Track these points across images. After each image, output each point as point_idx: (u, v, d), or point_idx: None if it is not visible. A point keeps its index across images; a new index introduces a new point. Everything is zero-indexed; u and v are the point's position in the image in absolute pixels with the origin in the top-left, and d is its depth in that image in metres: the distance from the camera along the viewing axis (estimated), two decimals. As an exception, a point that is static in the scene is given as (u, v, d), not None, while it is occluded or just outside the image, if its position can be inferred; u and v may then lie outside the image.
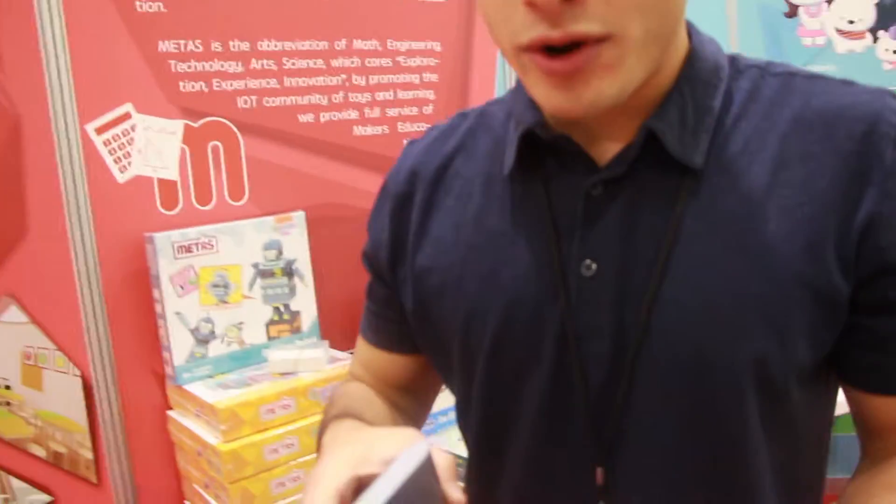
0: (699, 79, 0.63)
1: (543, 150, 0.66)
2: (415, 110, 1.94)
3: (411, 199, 0.76)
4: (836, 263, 0.59)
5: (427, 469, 0.55)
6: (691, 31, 0.66)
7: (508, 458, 0.72)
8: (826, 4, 2.71)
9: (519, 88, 0.70)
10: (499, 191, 0.70)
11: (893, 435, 0.66)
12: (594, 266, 0.63)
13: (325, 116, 1.77)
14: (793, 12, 2.72)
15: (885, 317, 0.61)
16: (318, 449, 0.73)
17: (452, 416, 1.57)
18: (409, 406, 0.85)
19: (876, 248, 0.59)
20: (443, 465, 0.55)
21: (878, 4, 2.68)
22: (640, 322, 0.61)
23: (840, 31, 2.73)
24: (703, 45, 0.65)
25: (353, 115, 1.82)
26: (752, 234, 0.60)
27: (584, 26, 0.52)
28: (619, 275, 0.62)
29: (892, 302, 0.60)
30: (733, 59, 0.67)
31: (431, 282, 0.73)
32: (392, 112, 1.89)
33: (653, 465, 0.64)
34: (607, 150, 0.64)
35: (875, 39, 2.71)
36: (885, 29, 2.70)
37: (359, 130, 1.84)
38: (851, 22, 2.72)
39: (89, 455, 1.56)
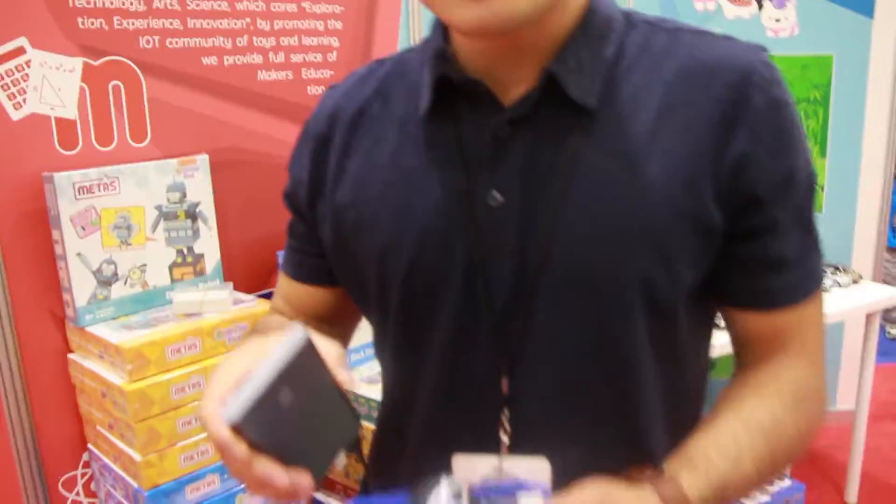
0: (594, 29, 0.69)
1: (455, 93, 0.70)
2: (319, 57, 1.94)
3: (331, 140, 0.79)
4: (711, 197, 0.66)
5: (309, 353, 0.59)
6: None
7: (422, 378, 0.76)
8: (716, -28, 2.84)
9: (433, 37, 0.74)
10: (414, 131, 0.73)
11: (760, 345, 0.74)
12: (500, 197, 0.68)
13: (228, 60, 1.76)
14: None
15: (752, 242, 0.68)
16: None
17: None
18: (328, 336, 0.89)
19: (745, 182, 0.66)
20: (331, 353, 0.60)
21: (764, -25, 2.83)
22: (539, 247, 0.67)
23: None
24: (599, 0, 0.71)
25: (258, 59, 1.81)
26: (639, 170, 0.66)
27: None
28: (522, 204, 0.68)
29: (757, 230, 0.68)
30: (627, 14, 0.72)
31: (349, 217, 0.76)
32: (296, 58, 1.89)
33: (552, 377, 0.69)
34: (513, 92, 0.69)
35: (760, 7, 2.86)
36: (770, -2, 2.86)
37: (263, 75, 1.84)
38: None
39: None
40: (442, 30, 0.73)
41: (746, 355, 0.76)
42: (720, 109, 0.66)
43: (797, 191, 0.69)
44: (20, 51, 1.45)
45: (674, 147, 0.66)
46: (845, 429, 2.63)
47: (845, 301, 2.49)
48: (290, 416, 0.56)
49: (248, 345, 0.71)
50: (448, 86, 0.70)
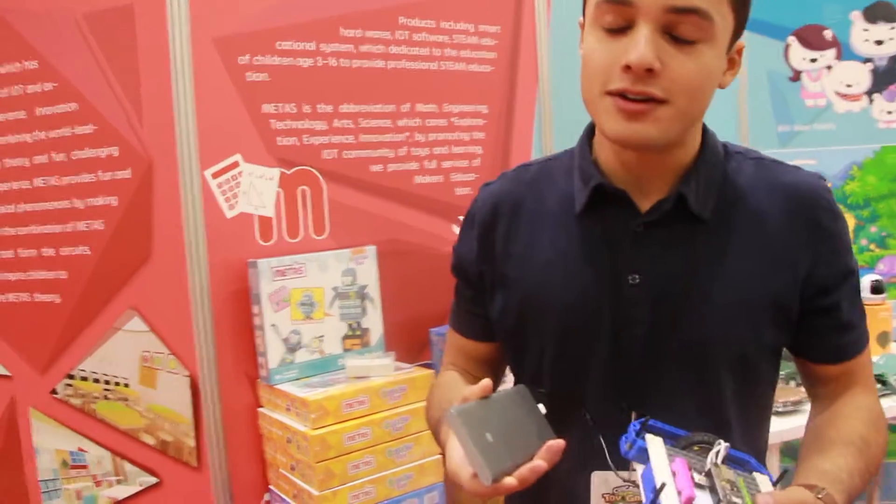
0: (709, 162, 0.96)
1: (602, 198, 0.96)
2: (465, 163, 2.25)
3: (495, 226, 1.04)
4: (792, 286, 0.93)
5: (525, 401, 0.84)
6: (705, 129, 0.98)
7: (569, 416, 0.96)
8: (826, 70, 3.00)
9: (581, 153, 1.00)
10: (567, 224, 0.98)
11: (836, 385, 0.99)
12: (638, 278, 0.94)
13: (391, 167, 2.10)
14: (796, 77, 3.00)
15: (825, 316, 0.95)
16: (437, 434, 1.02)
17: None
18: (488, 376, 1.10)
19: (817, 276, 0.93)
20: (473, 390, 0.85)
21: (872, 70, 2.98)
22: (668, 318, 0.93)
23: (839, 94, 3.01)
24: (710, 139, 0.98)
25: (415, 166, 2.14)
26: (741, 265, 0.93)
27: (654, 89, 0.84)
28: (654, 285, 0.94)
29: (828, 307, 0.95)
30: (724, 146, 1.00)
31: (518, 288, 1.01)
32: (446, 164, 2.21)
33: (668, 407, 0.91)
34: (644, 202, 0.95)
35: (871, 101, 3.00)
36: (880, 92, 2.99)
37: (419, 179, 2.16)
38: (849, 86, 3.00)
39: (192, 443, 1.84)
40: (588, 151, 0.99)
41: (819, 390, 1.01)
42: (798, 223, 0.93)
43: (851, 279, 0.95)
44: (235, 164, 1.83)
45: (765, 248, 0.93)
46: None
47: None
48: (501, 443, 0.80)
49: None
50: (597, 192, 0.96)
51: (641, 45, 0.82)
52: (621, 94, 0.84)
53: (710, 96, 0.89)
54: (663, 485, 0.72)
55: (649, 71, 0.82)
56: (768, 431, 1.04)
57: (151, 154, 1.78)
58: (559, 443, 0.82)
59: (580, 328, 0.96)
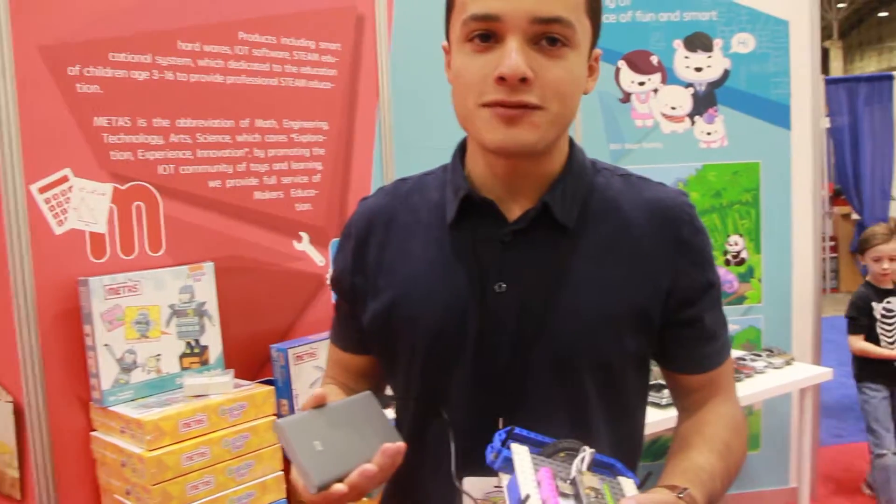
0: (574, 173, 1.00)
1: (471, 209, 0.99)
2: (305, 179, 2.26)
3: (369, 239, 1.05)
4: (654, 297, 0.97)
5: (367, 407, 0.85)
6: (572, 142, 1.02)
7: (435, 421, 0.98)
8: (653, 93, 3.20)
9: (454, 168, 1.03)
10: (438, 235, 1.00)
11: (700, 394, 1.04)
12: (504, 286, 0.96)
13: (230, 182, 2.07)
14: (626, 99, 3.18)
15: (688, 328, 1.00)
16: None
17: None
18: (367, 389, 1.07)
19: (679, 288, 0.98)
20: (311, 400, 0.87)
21: (693, 95, 3.20)
22: (533, 324, 0.95)
23: (665, 115, 3.21)
24: (577, 152, 1.02)
25: (254, 182, 2.13)
26: (603, 273, 0.96)
27: (529, 97, 0.87)
28: (520, 292, 0.96)
29: (691, 319, 0.99)
30: (593, 162, 1.05)
31: (387, 297, 1.02)
32: (286, 180, 2.21)
33: (535, 414, 0.95)
34: (513, 211, 0.98)
35: (692, 123, 3.22)
36: (700, 114, 3.22)
37: (258, 195, 2.14)
38: (673, 108, 3.21)
39: (15, 474, 1.75)
40: (461, 165, 1.02)
41: (686, 401, 1.06)
42: (661, 236, 0.98)
43: (712, 291, 1.01)
44: (64, 179, 1.76)
45: (626, 257, 0.97)
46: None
47: (776, 380, 2.74)
48: (331, 451, 0.83)
49: None
50: (468, 203, 0.98)
51: (513, 55, 0.85)
52: (499, 105, 0.87)
53: (578, 102, 0.94)
54: (527, 496, 0.73)
55: (523, 80, 0.86)
56: (641, 433, 1.09)
57: (-30, 168, 1.68)
58: (396, 446, 0.84)
59: (446, 336, 0.98)
